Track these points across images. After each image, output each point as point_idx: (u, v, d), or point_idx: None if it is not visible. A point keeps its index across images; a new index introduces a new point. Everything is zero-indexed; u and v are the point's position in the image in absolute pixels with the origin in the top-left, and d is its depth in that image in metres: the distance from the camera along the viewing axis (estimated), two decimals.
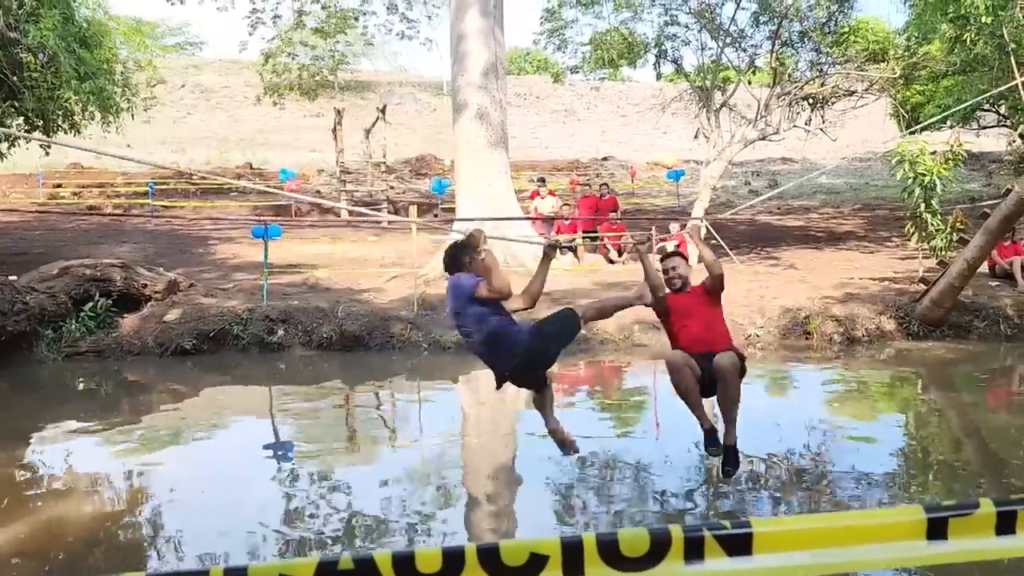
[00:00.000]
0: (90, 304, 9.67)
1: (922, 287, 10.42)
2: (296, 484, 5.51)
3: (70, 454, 6.49)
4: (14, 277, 9.92)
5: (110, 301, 9.82)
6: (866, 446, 5.91)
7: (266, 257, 10.66)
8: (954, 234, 11.21)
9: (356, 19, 24.88)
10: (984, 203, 11.95)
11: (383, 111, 20.72)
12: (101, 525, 4.79)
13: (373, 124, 20.76)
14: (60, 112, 12.59)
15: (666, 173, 23.40)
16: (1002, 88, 11.70)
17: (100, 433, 7.14)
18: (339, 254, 14.83)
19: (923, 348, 9.62)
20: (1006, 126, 21.23)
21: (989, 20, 12.23)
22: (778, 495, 4.90)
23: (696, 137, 16.02)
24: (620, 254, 14.05)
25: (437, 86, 42.40)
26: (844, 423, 6.67)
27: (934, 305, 9.80)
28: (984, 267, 10.65)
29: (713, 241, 14.18)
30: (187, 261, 13.57)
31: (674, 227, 14.35)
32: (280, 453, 6.43)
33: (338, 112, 21.38)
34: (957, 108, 13.08)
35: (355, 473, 5.66)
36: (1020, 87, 12.87)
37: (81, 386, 8.80)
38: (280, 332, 9.79)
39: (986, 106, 20.28)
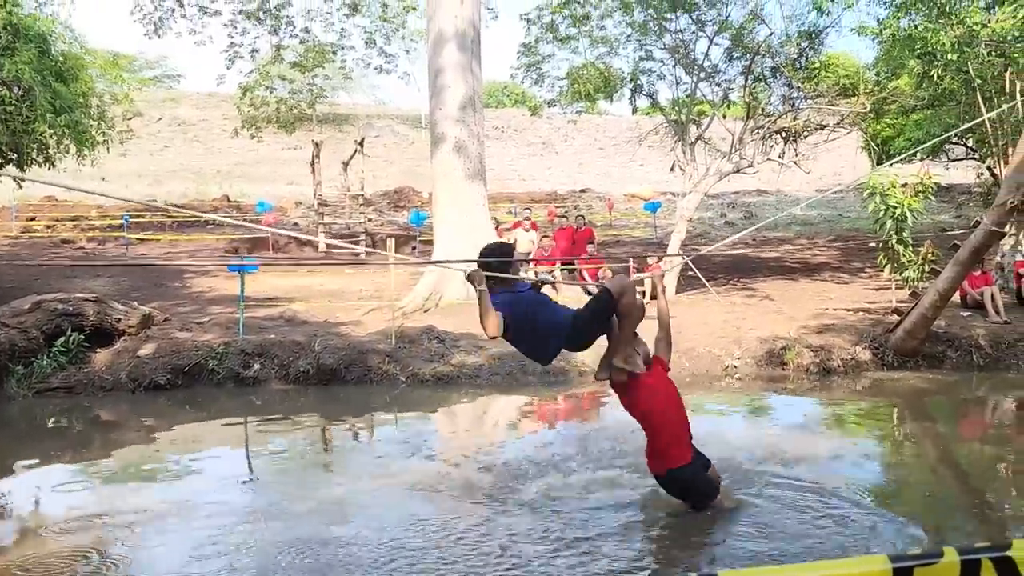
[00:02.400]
0: (62, 339, 9.53)
1: (896, 318, 10.53)
2: (269, 522, 5.42)
3: (39, 493, 6.35)
4: None
5: (82, 336, 9.67)
6: (838, 481, 5.85)
7: (242, 291, 10.59)
8: (926, 265, 11.39)
9: (334, 53, 25.11)
10: (954, 233, 12.17)
11: (361, 144, 20.79)
12: (68, 566, 4.68)
13: (351, 157, 20.81)
14: (34, 146, 12.52)
15: (643, 205, 23.66)
16: (969, 124, 11.96)
17: (70, 471, 7.00)
18: (316, 287, 14.76)
19: (897, 378, 9.70)
20: (974, 159, 21.64)
21: (955, 57, 12.55)
22: (748, 538, 4.84)
23: (672, 170, 16.20)
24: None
25: (415, 119, 42.66)
26: (816, 458, 6.61)
27: (908, 336, 9.90)
28: (956, 297, 10.79)
29: (691, 273, 14.30)
30: (162, 295, 13.44)
31: (651, 259, 14.46)
32: (254, 490, 6.33)
33: (316, 145, 21.44)
34: (925, 145, 13.39)
35: (329, 509, 5.58)
36: (987, 122, 13.21)
37: (51, 423, 8.64)
38: (256, 366, 9.69)
39: (955, 139, 20.71)
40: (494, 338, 4.82)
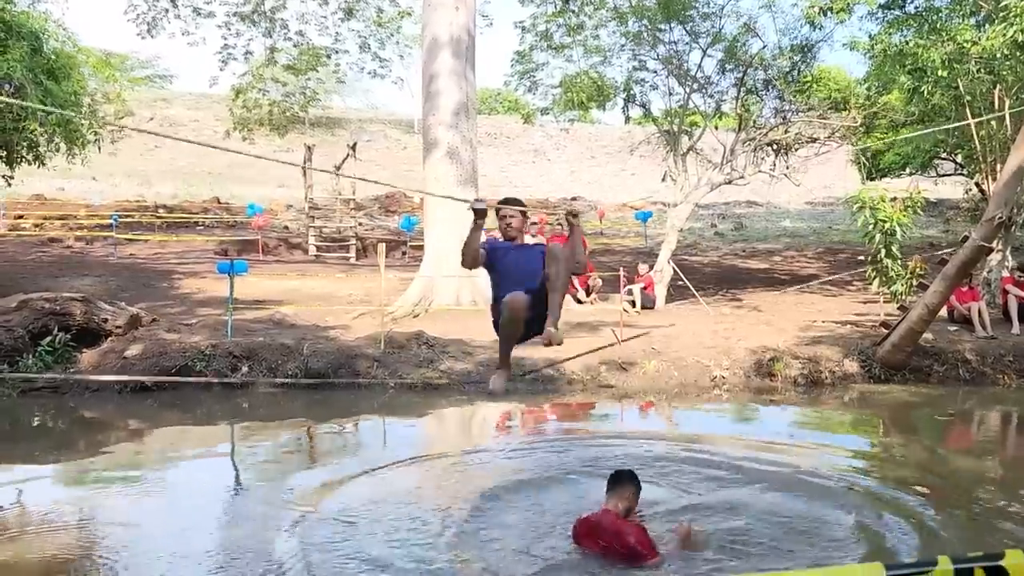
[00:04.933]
0: (48, 339, 9.46)
1: (883, 331, 10.59)
2: (255, 527, 5.39)
3: (22, 494, 6.30)
4: None
5: (69, 336, 9.61)
6: (826, 493, 5.87)
7: (232, 292, 10.54)
8: (914, 279, 11.46)
9: (328, 57, 25.11)
10: (943, 249, 12.26)
11: (353, 148, 20.77)
12: (52, 570, 4.64)
13: (343, 161, 20.78)
14: (25, 143, 12.45)
15: (634, 214, 23.71)
16: (940, 128, 12.06)
17: (54, 472, 6.96)
18: (306, 290, 14.73)
19: (885, 391, 9.75)
20: (962, 174, 21.82)
21: (945, 73, 12.67)
22: (736, 549, 4.83)
23: (664, 180, 16.25)
24: (588, 293, 14.12)
25: (408, 124, 42.67)
26: (805, 468, 6.65)
27: (895, 349, 9.95)
28: (943, 312, 10.85)
29: (680, 283, 14.34)
30: (150, 295, 13.36)
31: (643, 268, 14.47)
32: (239, 495, 6.30)
33: (308, 148, 21.38)
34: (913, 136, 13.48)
35: (313, 515, 5.55)
36: (976, 138, 13.33)
37: (36, 423, 8.57)
38: (244, 369, 9.64)
39: (944, 155, 20.89)
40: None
